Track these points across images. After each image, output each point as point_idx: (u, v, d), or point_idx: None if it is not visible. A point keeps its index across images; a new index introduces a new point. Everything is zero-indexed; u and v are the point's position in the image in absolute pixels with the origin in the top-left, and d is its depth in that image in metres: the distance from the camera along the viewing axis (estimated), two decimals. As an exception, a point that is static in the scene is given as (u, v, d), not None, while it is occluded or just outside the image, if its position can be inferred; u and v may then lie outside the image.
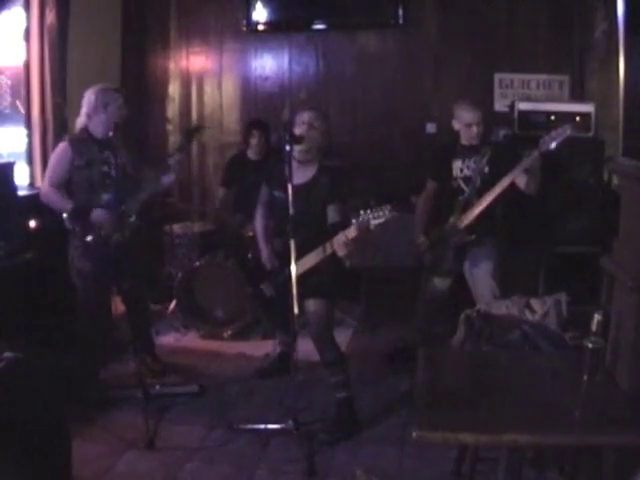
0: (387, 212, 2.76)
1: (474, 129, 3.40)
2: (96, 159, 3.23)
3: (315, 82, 4.91)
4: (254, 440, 2.96)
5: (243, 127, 4.61)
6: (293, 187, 2.87)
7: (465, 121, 3.42)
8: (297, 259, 2.87)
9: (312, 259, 2.98)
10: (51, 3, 3.92)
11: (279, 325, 3.68)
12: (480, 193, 3.38)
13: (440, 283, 3.60)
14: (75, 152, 3.20)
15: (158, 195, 3.37)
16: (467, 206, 3.39)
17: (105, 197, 3.25)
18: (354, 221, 2.78)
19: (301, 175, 3.05)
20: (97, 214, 3.19)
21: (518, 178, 3.24)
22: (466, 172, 3.47)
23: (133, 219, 3.28)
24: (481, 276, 3.44)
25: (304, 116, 3.02)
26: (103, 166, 3.25)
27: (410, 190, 3.99)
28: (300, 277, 2.84)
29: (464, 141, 3.48)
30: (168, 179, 3.34)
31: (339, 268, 3.11)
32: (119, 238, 3.25)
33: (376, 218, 2.76)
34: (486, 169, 3.40)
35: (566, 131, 3.11)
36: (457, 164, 3.49)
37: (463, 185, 3.46)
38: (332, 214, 3.02)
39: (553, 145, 3.11)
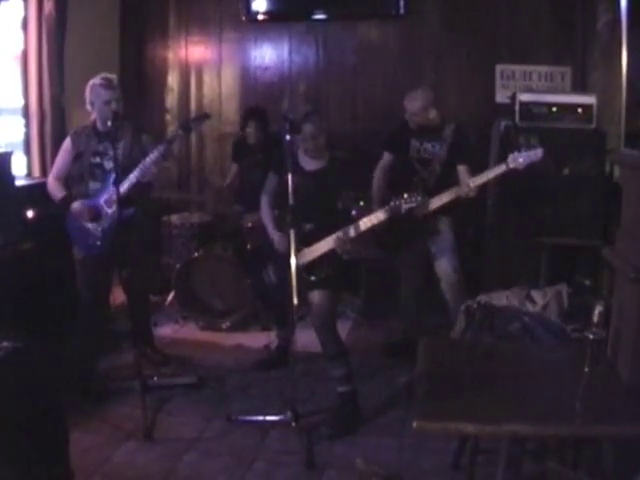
0: (419, 198, 2.86)
1: (406, 114, 3.51)
2: (87, 151, 3.28)
3: (315, 72, 4.88)
4: (252, 432, 2.95)
5: (240, 114, 4.61)
6: (307, 172, 2.94)
7: (404, 106, 3.53)
8: (305, 244, 2.90)
9: (327, 244, 2.98)
10: (49, -8, 3.90)
11: (276, 319, 3.66)
12: (439, 181, 3.44)
13: (410, 277, 3.71)
14: (72, 144, 3.31)
15: (146, 178, 3.30)
16: (424, 192, 3.37)
17: (93, 187, 3.28)
18: (385, 206, 2.89)
19: (315, 163, 3.12)
20: (75, 206, 3.23)
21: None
22: (422, 154, 3.54)
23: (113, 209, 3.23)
24: (441, 253, 3.54)
25: (307, 130, 3.02)
26: (95, 157, 3.28)
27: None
28: (304, 268, 2.84)
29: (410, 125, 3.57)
30: (150, 160, 3.24)
31: (343, 259, 3.10)
32: (105, 225, 3.24)
33: (408, 203, 2.85)
34: (444, 156, 3.46)
35: (537, 155, 3.17)
36: (414, 143, 3.56)
37: (418, 166, 3.53)
38: (339, 201, 3.07)
39: (522, 167, 3.17)
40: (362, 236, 2.98)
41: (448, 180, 3.41)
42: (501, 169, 3.22)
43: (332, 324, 3.07)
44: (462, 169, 3.44)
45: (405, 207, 2.86)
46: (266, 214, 3.32)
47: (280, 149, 3.22)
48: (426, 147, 3.53)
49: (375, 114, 4.79)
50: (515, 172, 3.22)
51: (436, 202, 3.37)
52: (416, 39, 4.70)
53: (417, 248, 3.64)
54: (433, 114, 3.50)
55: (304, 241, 2.89)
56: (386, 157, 3.71)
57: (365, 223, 2.92)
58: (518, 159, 3.16)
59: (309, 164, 3.12)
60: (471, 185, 3.24)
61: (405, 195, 2.85)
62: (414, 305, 3.79)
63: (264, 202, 3.34)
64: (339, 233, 2.95)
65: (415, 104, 3.46)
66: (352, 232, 2.95)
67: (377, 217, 2.92)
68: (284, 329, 3.55)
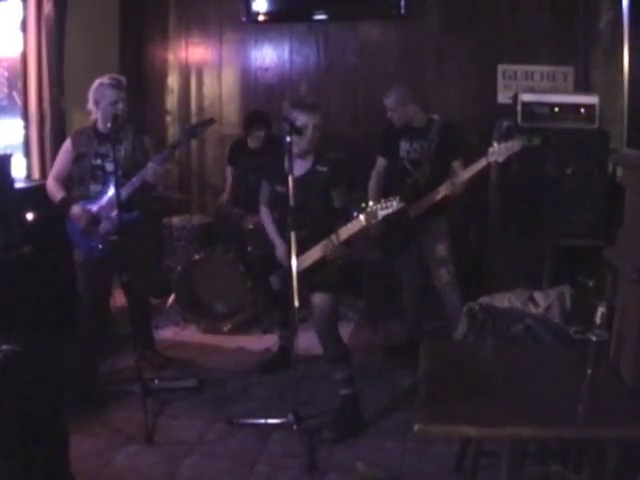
0: (395, 203, 2.80)
1: (387, 113, 3.55)
2: (89, 152, 3.26)
3: (316, 73, 4.87)
4: (254, 435, 2.93)
5: (243, 117, 4.56)
6: (294, 180, 2.86)
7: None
8: (302, 252, 2.86)
9: (317, 252, 2.96)
10: (48, -7, 3.89)
11: (280, 321, 3.65)
12: (430, 180, 3.45)
13: (410, 280, 3.73)
14: (73, 145, 3.29)
15: (147, 182, 3.29)
16: (416, 192, 3.47)
17: (94, 189, 3.27)
18: (359, 214, 2.81)
19: (299, 167, 3.03)
20: (74, 210, 3.22)
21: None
22: (412, 154, 3.56)
23: (115, 214, 3.22)
24: (437, 263, 3.55)
25: (314, 121, 2.97)
26: (96, 159, 3.26)
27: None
28: (306, 270, 2.83)
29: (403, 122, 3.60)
30: (151, 172, 3.19)
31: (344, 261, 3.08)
32: (107, 228, 3.23)
33: (384, 209, 2.80)
34: (433, 154, 3.48)
35: (515, 146, 3.19)
36: (404, 144, 3.58)
37: (409, 166, 3.55)
38: (334, 200, 3.03)
39: (502, 159, 3.21)
40: (347, 242, 2.94)
41: (440, 179, 3.40)
42: (482, 164, 3.24)
43: (334, 327, 3.05)
44: (457, 164, 3.45)
45: (381, 213, 2.81)
46: (268, 224, 3.26)
47: (272, 156, 3.19)
48: (415, 147, 3.55)
49: (376, 115, 4.73)
50: (497, 165, 3.28)
51: (426, 202, 3.39)
52: (417, 39, 4.68)
53: (415, 250, 3.64)
54: (412, 110, 3.51)
55: (300, 248, 2.86)
56: (380, 162, 3.72)
57: (345, 231, 2.89)
58: (498, 153, 3.19)
59: (295, 168, 2.96)
60: (457, 182, 3.27)
61: (382, 200, 2.82)
62: (415, 308, 3.79)
63: (264, 212, 3.28)
64: (324, 242, 2.92)
65: (390, 100, 3.51)
66: (335, 241, 2.91)
67: (357, 224, 2.87)
68: (288, 331, 3.53)
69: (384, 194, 3.60)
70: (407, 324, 3.86)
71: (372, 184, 3.72)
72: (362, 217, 2.84)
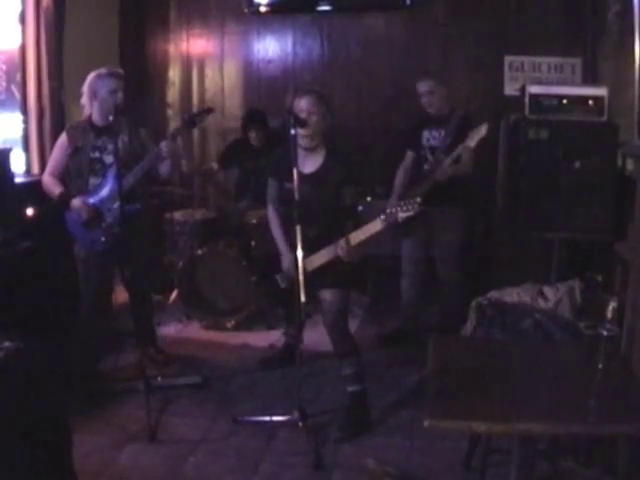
0: (416, 206, 2.71)
1: (424, 98, 3.60)
2: (86, 146, 3.24)
3: (320, 65, 4.82)
4: (259, 432, 2.90)
5: (242, 118, 4.47)
6: (304, 176, 2.83)
7: (417, 91, 3.62)
8: (311, 251, 2.82)
9: (326, 255, 2.90)
10: (47, -15, 3.84)
11: (285, 317, 3.61)
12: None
13: (412, 271, 3.75)
14: (69, 140, 3.27)
15: (154, 165, 3.25)
16: (433, 180, 3.51)
17: (93, 182, 3.25)
18: (381, 215, 2.74)
19: (310, 163, 2.98)
20: (74, 203, 3.20)
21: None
22: (432, 142, 3.63)
23: (117, 206, 3.19)
24: (444, 250, 3.59)
25: (302, 103, 2.91)
26: (94, 152, 3.24)
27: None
28: (316, 268, 2.81)
29: (428, 110, 3.64)
30: (166, 147, 3.18)
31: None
32: (109, 220, 3.20)
33: (405, 211, 2.72)
34: (449, 143, 3.53)
35: (481, 130, 3.34)
36: (425, 133, 3.66)
37: (428, 154, 3.61)
38: (345, 197, 2.95)
39: (473, 144, 3.35)
40: (361, 244, 2.86)
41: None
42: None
43: (344, 322, 3.02)
44: (463, 148, 3.44)
45: (402, 216, 2.72)
46: (275, 227, 3.16)
47: (277, 152, 3.14)
48: (434, 134, 3.59)
49: (380, 107, 4.74)
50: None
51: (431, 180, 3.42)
52: (422, 31, 4.63)
53: (421, 236, 3.64)
54: (439, 95, 3.59)
55: (309, 248, 2.80)
56: (408, 155, 3.74)
57: (361, 234, 2.80)
58: (469, 139, 3.31)
59: (306, 165, 2.94)
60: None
61: (402, 203, 2.74)
62: (415, 299, 3.79)
63: (271, 212, 3.18)
64: (334, 245, 2.83)
65: (423, 84, 3.62)
66: (348, 244, 2.82)
67: (373, 227, 2.79)
68: (294, 327, 3.49)
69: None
70: (403, 313, 3.85)
71: (398, 177, 3.73)
72: (380, 220, 2.75)
